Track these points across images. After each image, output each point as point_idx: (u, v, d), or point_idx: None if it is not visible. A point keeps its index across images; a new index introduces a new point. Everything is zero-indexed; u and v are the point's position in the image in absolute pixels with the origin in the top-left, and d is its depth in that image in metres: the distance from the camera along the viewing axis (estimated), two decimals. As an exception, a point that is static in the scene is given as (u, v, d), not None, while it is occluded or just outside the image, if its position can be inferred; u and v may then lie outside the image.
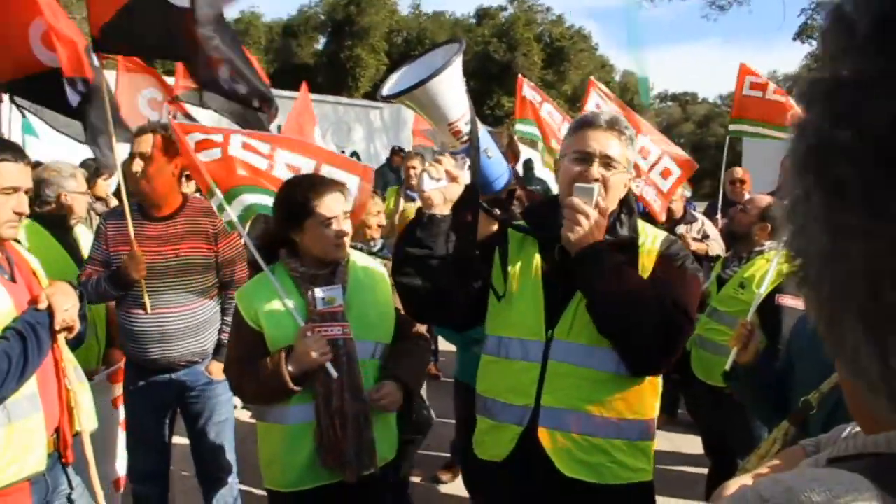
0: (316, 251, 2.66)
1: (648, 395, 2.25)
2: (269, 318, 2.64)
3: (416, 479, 4.61)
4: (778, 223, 0.58)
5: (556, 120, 7.98)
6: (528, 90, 9.00)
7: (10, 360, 2.18)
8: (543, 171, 10.85)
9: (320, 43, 40.53)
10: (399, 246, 2.28)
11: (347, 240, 2.69)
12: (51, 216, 4.10)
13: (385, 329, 2.75)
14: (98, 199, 6.17)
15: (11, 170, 2.34)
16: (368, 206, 4.15)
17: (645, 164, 6.28)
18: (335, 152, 4.10)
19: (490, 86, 37.07)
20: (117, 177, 4.04)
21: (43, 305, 2.34)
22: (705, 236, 5.84)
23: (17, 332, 2.23)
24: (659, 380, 2.30)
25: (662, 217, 5.97)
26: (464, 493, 4.04)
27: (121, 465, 3.93)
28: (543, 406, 2.17)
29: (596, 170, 2.17)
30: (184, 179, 3.68)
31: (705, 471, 4.55)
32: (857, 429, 1.12)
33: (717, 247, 5.50)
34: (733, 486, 1.24)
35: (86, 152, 6.08)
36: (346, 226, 2.68)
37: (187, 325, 3.56)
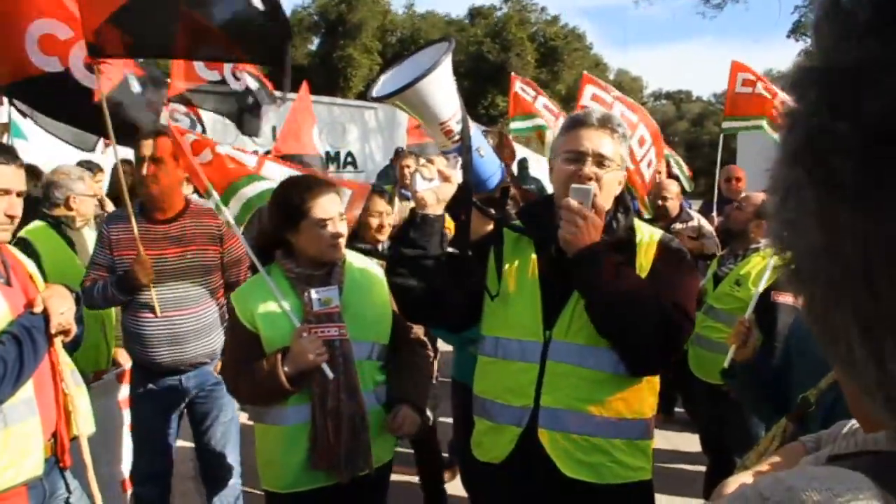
0: (311, 252, 2.66)
1: (647, 394, 2.25)
2: (264, 319, 2.63)
3: (415, 479, 4.60)
4: (768, 216, 0.55)
5: (554, 111, 7.99)
6: (520, 87, 9.01)
7: (6, 364, 2.16)
8: (538, 171, 10.87)
9: (314, 44, 40.49)
10: (393, 246, 2.28)
11: (343, 241, 2.68)
12: (57, 218, 4.15)
13: (382, 330, 2.75)
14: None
15: (4, 172, 2.33)
16: (372, 208, 4.15)
17: (638, 152, 6.32)
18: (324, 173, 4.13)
19: (484, 86, 37.10)
20: (107, 179, 4.06)
21: (38, 309, 2.33)
22: (700, 234, 5.84)
23: (13, 336, 2.22)
24: (656, 378, 2.30)
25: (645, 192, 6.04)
26: (463, 492, 4.04)
27: (126, 467, 3.94)
28: (543, 407, 2.16)
29: (589, 169, 2.16)
30: (184, 182, 3.68)
31: (703, 468, 4.56)
32: (857, 425, 1.12)
33: (712, 245, 5.50)
34: (733, 484, 1.23)
35: (76, 155, 6.08)
36: (342, 227, 2.67)
37: (195, 326, 3.57)
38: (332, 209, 2.63)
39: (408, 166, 6.54)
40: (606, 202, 2.22)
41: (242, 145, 4.57)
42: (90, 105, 3.73)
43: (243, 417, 4.23)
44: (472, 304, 2.33)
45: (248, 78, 5.12)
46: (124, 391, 3.90)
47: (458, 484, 4.32)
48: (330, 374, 2.55)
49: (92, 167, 5.70)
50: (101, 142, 5.91)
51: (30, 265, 2.58)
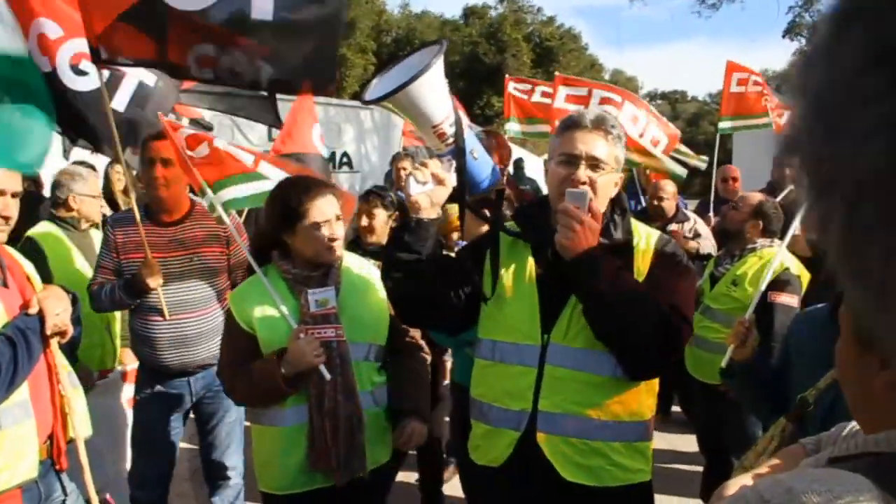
0: (308, 254, 2.65)
1: (645, 396, 2.25)
2: (261, 320, 2.62)
3: (411, 480, 4.60)
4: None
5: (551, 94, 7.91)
6: (513, 88, 9.02)
7: (0, 366, 2.15)
8: (534, 171, 10.88)
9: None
10: (387, 250, 2.27)
11: (340, 243, 2.68)
12: (63, 219, 4.18)
13: (379, 331, 2.74)
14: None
15: None
16: (377, 212, 4.14)
17: (635, 130, 6.33)
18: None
19: (480, 86, 37.09)
20: (100, 180, 4.05)
21: (33, 310, 2.31)
22: (696, 235, 5.84)
23: (7, 337, 2.20)
24: (655, 380, 2.29)
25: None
26: (460, 493, 4.03)
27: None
28: (541, 410, 2.15)
29: (583, 172, 2.14)
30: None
31: (700, 468, 4.56)
32: (858, 427, 1.12)
33: (708, 245, 5.51)
34: (733, 486, 1.23)
35: (73, 157, 6.06)
36: (339, 229, 2.67)
37: (203, 328, 3.56)
38: (328, 211, 2.63)
39: (404, 168, 6.53)
40: (602, 205, 2.21)
41: (240, 145, 4.55)
42: (74, 107, 3.71)
43: (244, 417, 4.24)
44: (469, 307, 2.31)
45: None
46: (129, 391, 3.91)
47: (456, 485, 4.32)
48: (327, 376, 2.55)
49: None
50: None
51: (27, 266, 2.56)
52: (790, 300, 3.78)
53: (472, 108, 34.87)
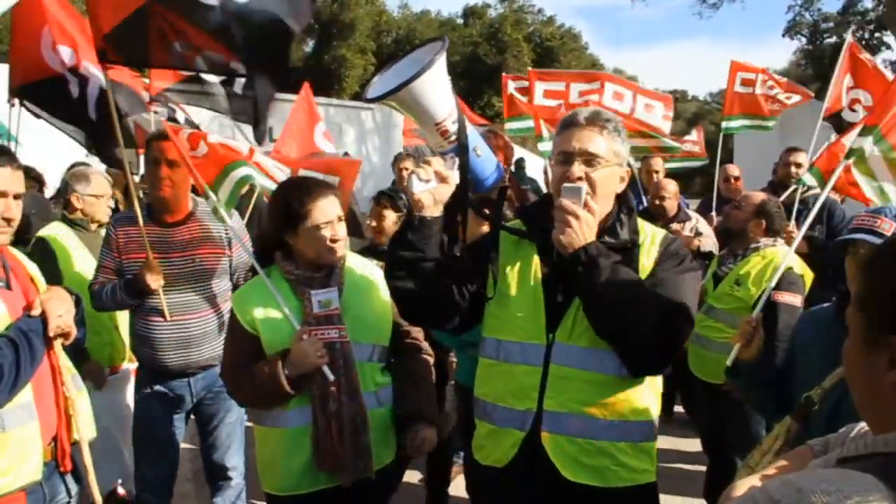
0: (310, 255, 2.65)
1: (650, 396, 2.24)
2: (264, 321, 2.62)
3: (415, 480, 4.60)
4: None
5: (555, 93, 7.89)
6: (513, 87, 9.01)
7: (2, 369, 2.13)
8: (535, 171, 10.87)
9: (309, 45, 40.41)
10: (391, 249, 2.26)
11: (342, 243, 2.67)
12: (74, 220, 4.21)
13: (382, 331, 2.74)
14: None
15: (0, 174, 2.29)
16: (387, 214, 4.14)
17: (624, 107, 6.33)
18: (316, 158, 4.11)
19: (480, 86, 37.11)
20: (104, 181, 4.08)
21: (36, 311, 2.30)
22: (698, 234, 5.84)
23: (9, 339, 2.18)
24: (659, 380, 2.29)
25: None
26: (464, 493, 4.03)
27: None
28: (546, 410, 2.15)
29: (577, 169, 2.14)
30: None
31: (703, 468, 4.56)
32: (866, 428, 1.11)
33: (709, 243, 5.50)
34: (742, 486, 1.23)
35: (70, 158, 6.09)
36: (341, 230, 2.66)
37: (205, 330, 3.56)
38: (330, 212, 2.62)
39: (406, 168, 6.53)
40: (602, 200, 2.19)
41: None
42: (84, 108, 3.74)
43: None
44: (473, 306, 2.30)
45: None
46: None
47: (460, 485, 4.32)
48: (330, 377, 2.55)
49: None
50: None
51: (31, 267, 2.55)
52: (793, 300, 3.78)
53: (473, 108, 34.90)
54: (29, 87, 3.95)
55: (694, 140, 9.18)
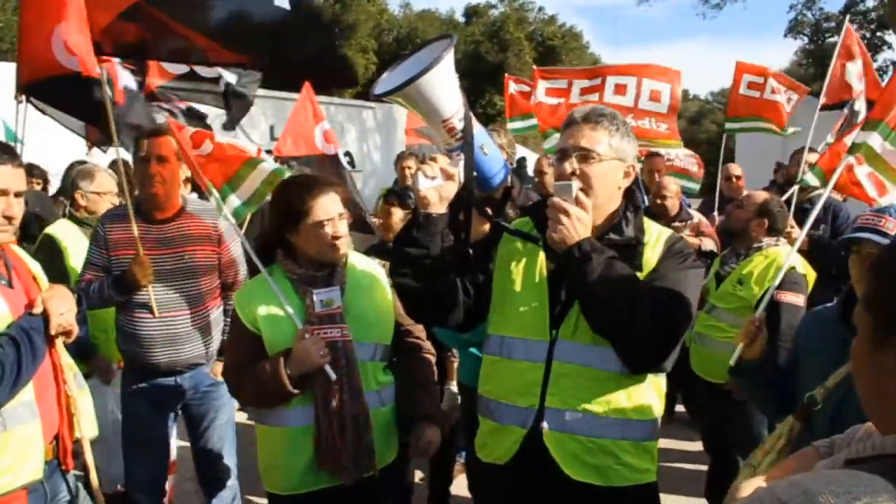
0: (311, 253, 2.64)
1: (653, 395, 2.23)
2: (266, 320, 2.62)
3: (416, 480, 4.59)
4: None
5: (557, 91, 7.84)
6: (514, 87, 8.99)
7: (3, 367, 2.12)
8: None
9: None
10: (396, 246, 2.26)
11: (343, 241, 2.67)
12: (80, 217, 4.23)
13: (384, 330, 2.73)
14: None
15: (1, 172, 2.27)
16: (394, 211, 4.15)
17: (627, 100, 6.28)
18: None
19: (482, 85, 37.10)
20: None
21: (37, 310, 2.29)
22: (699, 233, 5.83)
23: (11, 338, 2.18)
24: (662, 379, 2.28)
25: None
26: (466, 492, 4.02)
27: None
28: (548, 407, 2.14)
29: (568, 165, 2.15)
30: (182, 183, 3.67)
31: (704, 467, 4.55)
32: (873, 429, 1.11)
33: (710, 242, 5.50)
34: (748, 487, 1.22)
35: (71, 156, 6.10)
36: (342, 227, 2.66)
37: (193, 327, 3.54)
38: (332, 209, 2.62)
39: (408, 167, 6.53)
40: (602, 194, 2.18)
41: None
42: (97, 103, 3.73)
43: (241, 417, 4.23)
44: (477, 304, 2.30)
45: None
46: None
47: (462, 484, 4.32)
48: (333, 376, 2.54)
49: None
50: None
51: (34, 266, 2.54)
52: (796, 299, 3.77)
53: (475, 107, 34.89)
54: (38, 84, 3.93)
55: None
